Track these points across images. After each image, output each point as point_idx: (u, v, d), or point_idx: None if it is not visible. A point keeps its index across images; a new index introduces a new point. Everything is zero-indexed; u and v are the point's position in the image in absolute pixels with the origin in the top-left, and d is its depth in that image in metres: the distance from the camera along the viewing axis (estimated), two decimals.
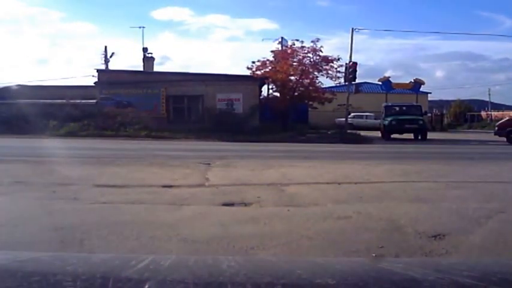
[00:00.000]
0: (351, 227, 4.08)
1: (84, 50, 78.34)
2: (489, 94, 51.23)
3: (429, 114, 34.46)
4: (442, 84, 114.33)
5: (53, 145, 12.88)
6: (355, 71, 22.58)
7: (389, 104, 24.05)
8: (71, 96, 22.69)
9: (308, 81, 23.99)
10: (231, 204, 5.02)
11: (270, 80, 24.36)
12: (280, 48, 26.18)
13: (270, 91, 26.36)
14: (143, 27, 35.57)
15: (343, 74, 22.89)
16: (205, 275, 0.91)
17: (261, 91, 25.97)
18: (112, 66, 30.89)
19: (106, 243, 3.47)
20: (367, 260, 2.35)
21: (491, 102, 50.06)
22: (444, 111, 42.06)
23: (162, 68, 76.46)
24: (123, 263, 1.00)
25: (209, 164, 8.79)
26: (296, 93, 24.06)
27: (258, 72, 24.18)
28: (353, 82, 23.31)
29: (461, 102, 46.35)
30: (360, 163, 9.35)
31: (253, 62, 24.72)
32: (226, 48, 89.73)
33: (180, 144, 16.24)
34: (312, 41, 23.57)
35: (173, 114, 23.33)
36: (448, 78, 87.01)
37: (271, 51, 25.42)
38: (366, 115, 33.42)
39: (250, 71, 24.53)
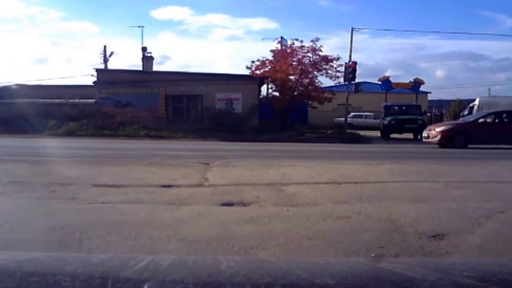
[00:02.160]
0: (351, 227, 4.07)
1: (83, 50, 78.27)
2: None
3: (429, 114, 34.49)
4: (442, 83, 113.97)
5: (51, 144, 12.88)
6: (355, 70, 22.61)
7: (389, 104, 24.11)
8: (70, 96, 22.71)
9: (307, 80, 24.01)
10: (230, 204, 5.02)
11: (270, 79, 24.37)
12: (279, 48, 26.19)
13: (270, 91, 26.39)
14: (142, 26, 35.73)
15: (343, 74, 22.92)
16: (205, 275, 0.90)
17: (261, 91, 26.00)
18: (111, 65, 31.00)
19: (105, 243, 3.46)
20: (366, 260, 2.35)
21: None
22: (444, 111, 42.08)
23: (162, 67, 76.56)
24: (122, 263, 1.00)
25: (208, 163, 8.79)
26: (295, 93, 24.08)
27: (258, 72, 24.19)
28: (353, 82, 23.34)
29: (461, 102, 46.35)
30: (360, 163, 9.34)
31: (253, 62, 24.77)
32: (226, 47, 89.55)
33: (179, 144, 16.24)
34: (312, 41, 23.63)
35: (172, 114, 23.34)
36: (448, 78, 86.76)
37: (271, 51, 25.48)
38: (366, 115, 33.46)
39: (249, 71, 24.55)
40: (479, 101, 21.78)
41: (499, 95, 23.42)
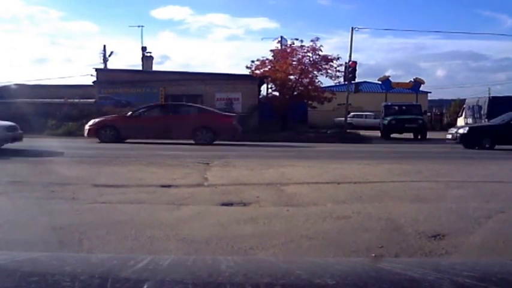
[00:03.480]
0: (351, 227, 4.07)
1: (83, 49, 78.24)
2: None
3: (429, 114, 34.55)
4: (442, 83, 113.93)
5: (51, 144, 12.86)
6: (355, 70, 22.58)
7: (389, 104, 24.13)
8: (70, 96, 22.69)
9: (307, 80, 23.99)
10: (230, 204, 5.01)
11: (270, 79, 24.35)
12: (279, 48, 26.18)
13: (270, 90, 26.37)
14: (142, 26, 35.76)
15: (343, 73, 22.90)
16: (204, 275, 0.90)
17: (260, 90, 25.99)
18: (111, 65, 31.00)
19: (105, 243, 3.46)
20: (366, 260, 2.35)
21: None
22: (444, 111, 42.11)
23: (162, 67, 76.59)
24: (121, 263, 1.00)
25: (208, 163, 8.78)
26: (295, 93, 24.06)
27: (258, 72, 24.17)
28: (353, 81, 23.31)
29: (461, 101, 46.35)
30: (360, 163, 9.34)
31: (253, 61, 24.75)
32: (226, 47, 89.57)
33: (178, 143, 16.21)
34: (312, 40, 23.61)
35: None
36: (448, 78, 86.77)
37: (271, 51, 25.45)
38: (366, 114, 33.47)
39: (249, 70, 24.53)
40: (466, 103, 22.22)
41: (490, 96, 23.72)
